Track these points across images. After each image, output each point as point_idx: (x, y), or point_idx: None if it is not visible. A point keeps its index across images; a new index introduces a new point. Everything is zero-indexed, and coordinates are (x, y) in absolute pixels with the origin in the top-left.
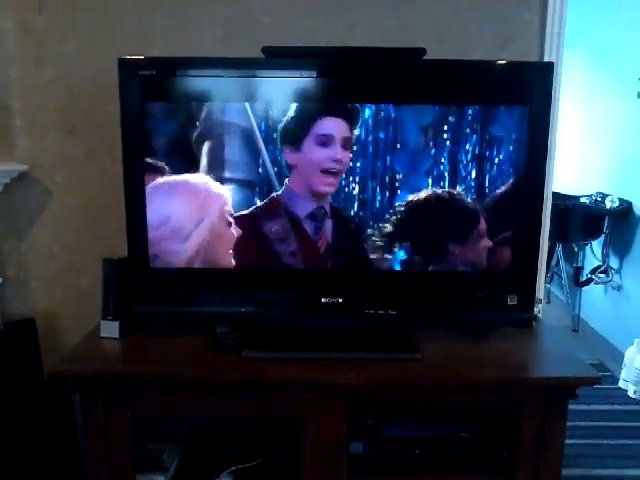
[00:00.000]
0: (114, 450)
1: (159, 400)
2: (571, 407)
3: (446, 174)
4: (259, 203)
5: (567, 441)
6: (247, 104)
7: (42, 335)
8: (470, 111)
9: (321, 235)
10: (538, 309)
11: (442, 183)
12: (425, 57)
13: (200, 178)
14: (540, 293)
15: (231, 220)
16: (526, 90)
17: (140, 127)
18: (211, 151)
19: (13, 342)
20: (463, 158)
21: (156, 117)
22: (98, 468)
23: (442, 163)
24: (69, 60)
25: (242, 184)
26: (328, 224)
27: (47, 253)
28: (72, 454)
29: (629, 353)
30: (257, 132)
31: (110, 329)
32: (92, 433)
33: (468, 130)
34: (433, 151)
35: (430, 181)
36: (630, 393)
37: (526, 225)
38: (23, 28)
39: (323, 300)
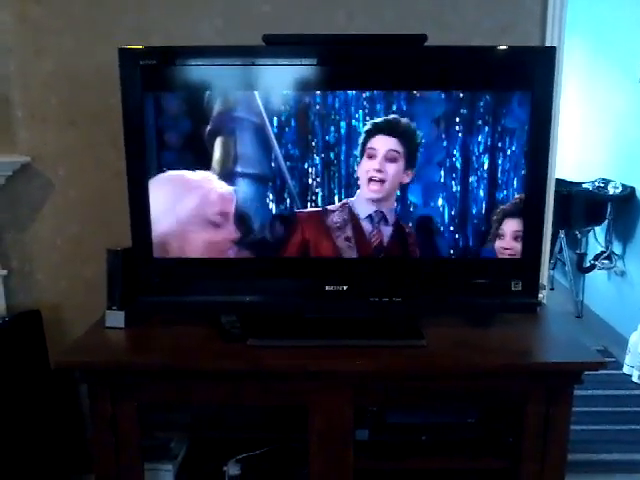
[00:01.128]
0: (121, 440)
1: (166, 389)
2: (575, 393)
3: (453, 163)
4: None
5: (572, 427)
6: (256, 93)
7: (48, 326)
8: (472, 98)
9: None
10: (542, 295)
11: (452, 173)
12: (426, 44)
13: (202, 172)
14: (544, 279)
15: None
16: (528, 75)
17: (141, 117)
18: (221, 145)
19: (19, 334)
20: (468, 146)
21: (157, 107)
22: (106, 458)
23: (448, 152)
24: (69, 51)
25: (251, 178)
26: None
27: (51, 245)
28: (79, 444)
29: (633, 339)
30: (268, 125)
31: (115, 319)
32: (99, 423)
33: (471, 117)
34: (440, 140)
35: (443, 172)
36: (634, 378)
37: (530, 211)
38: (22, 19)
39: (327, 288)
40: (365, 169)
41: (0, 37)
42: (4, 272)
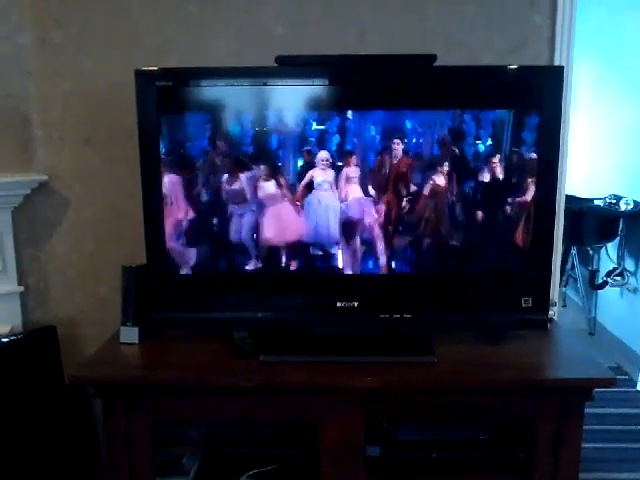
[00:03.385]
0: (135, 455)
1: (179, 405)
2: (588, 410)
3: (459, 179)
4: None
5: (584, 444)
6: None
7: (63, 342)
8: (481, 116)
9: None
10: (553, 312)
11: (457, 189)
12: (435, 63)
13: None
14: (555, 296)
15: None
16: (537, 95)
17: (157, 137)
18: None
19: (35, 349)
20: (476, 163)
21: (172, 127)
22: (119, 473)
23: (455, 168)
24: (86, 72)
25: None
26: None
27: (66, 262)
28: (92, 459)
29: None
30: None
31: (130, 335)
32: (113, 438)
33: (480, 135)
34: (445, 156)
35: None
36: None
37: (540, 228)
38: (42, 42)
39: (338, 304)
40: None
41: (21, 60)
42: (21, 289)
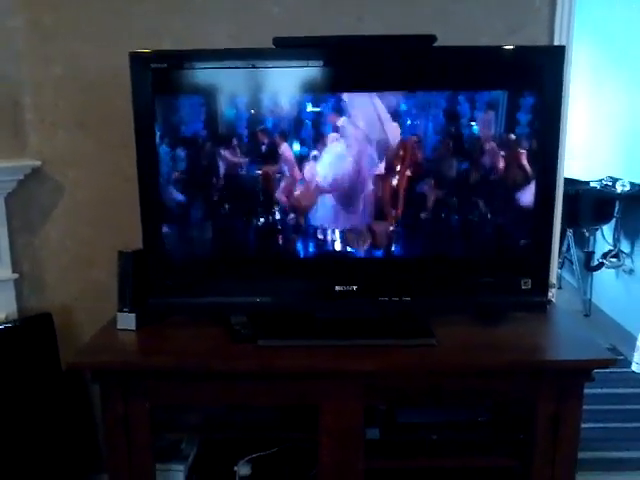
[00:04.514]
0: (134, 441)
1: (177, 390)
2: (584, 391)
3: (460, 162)
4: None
5: (582, 424)
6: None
7: (59, 328)
8: (481, 97)
9: None
10: (552, 293)
11: (457, 172)
12: (435, 44)
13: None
14: (553, 278)
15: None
16: (537, 75)
17: (152, 119)
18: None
19: (31, 337)
20: (475, 146)
21: (167, 110)
22: (118, 458)
23: (455, 150)
24: (78, 56)
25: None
26: None
27: (61, 248)
28: (91, 445)
29: None
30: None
31: (127, 321)
32: (112, 424)
33: (480, 117)
34: (447, 139)
35: (447, 168)
36: None
37: (539, 210)
38: (34, 25)
39: (337, 288)
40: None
41: (12, 43)
42: (15, 275)
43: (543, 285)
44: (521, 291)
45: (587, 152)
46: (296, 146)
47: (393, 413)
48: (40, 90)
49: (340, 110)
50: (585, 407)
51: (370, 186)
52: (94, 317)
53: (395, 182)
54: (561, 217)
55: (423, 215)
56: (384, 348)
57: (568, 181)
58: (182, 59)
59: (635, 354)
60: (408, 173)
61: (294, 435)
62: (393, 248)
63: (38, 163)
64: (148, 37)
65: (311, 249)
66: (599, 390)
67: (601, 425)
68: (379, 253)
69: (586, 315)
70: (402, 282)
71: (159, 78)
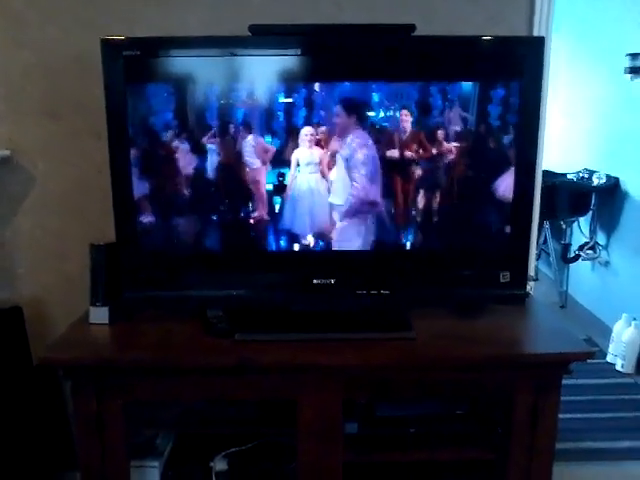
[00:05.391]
0: (107, 437)
1: (152, 386)
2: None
3: (438, 153)
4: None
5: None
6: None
7: (29, 323)
8: (460, 87)
9: None
10: (530, 286)
11: (436, 161)
12: (414, 34)
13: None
14: (531, 270)
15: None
16: (517, 66)
17: (124, 108)
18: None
19: (0, 330)
20: (456, 136)
21: (140, 98)
22: (91, 455)
23: (434, 141)
24: (49, 42)
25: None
26: None
27: (32, 240)
28: (64, 441)
29: (617, 327)
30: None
31: (99, 315)
32: (84, 421)
33: (458, 107)
34: (424, 129)
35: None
36: (618, 367)
37: (518, 202)
38: (2, 9)
39: (315, 281)
40: None
41: None
42: None
43: (522, 278)
44: (500, 284)
45: (564, 144)
46: (269, 137)
47: (372, 407)
48: (9, 77)
49: (313, 100)
50: (562, 398)
51: (348, 179)
52: (66, 311)
53: (372, 175)
54: (539, 209)
55: (400, 208)
56: (362, 342)
57: (545, 173)
58: (155, 46)
59: (610, 345)
60: (386, 165)
61: (271, 430)
62: (371, 241)
63: (7, 153)
64: (120, 24)
65: (288, 242)
66: (574, 381)
67: (576, 416)
68: (357, 246)
69: (562, 307)
70: (380, 275)
71: (131, 66)
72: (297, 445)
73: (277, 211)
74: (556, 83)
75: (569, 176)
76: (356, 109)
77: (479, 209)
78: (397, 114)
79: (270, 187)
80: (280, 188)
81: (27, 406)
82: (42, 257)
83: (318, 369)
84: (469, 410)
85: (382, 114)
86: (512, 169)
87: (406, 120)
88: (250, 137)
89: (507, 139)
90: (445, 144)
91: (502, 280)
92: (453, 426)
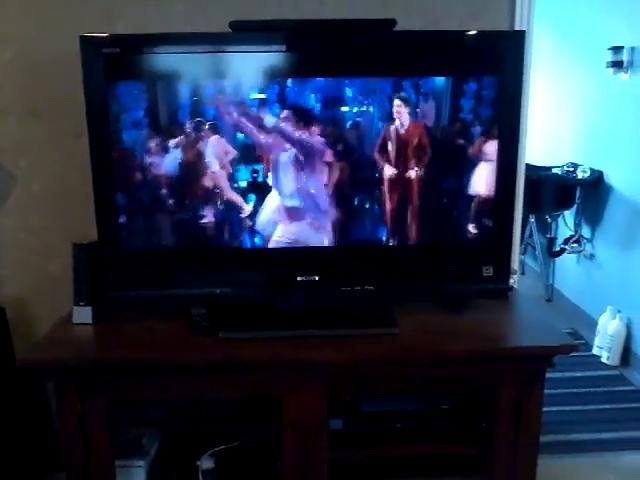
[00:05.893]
0: (91, 437)
1: (136, 385)
2: (546, 375)
3: (418, 147)
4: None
5: (543, 408)
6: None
7: (13, 323)
8: (441, 82)
9: None
10: (513, 280)
11: (417, 157)
12: (395, 29)
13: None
14: (515, 264)
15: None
16: (498, 60)
17: (105, 106)
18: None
19: None
20: (437, 131)
21: (121, 96)
22: (75, 456)
23: (416, 136)
24: (29, 40)
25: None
26: None
27: (15, 239)
28: (48, 442)
29: (602, 320)
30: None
31: (83, 315)
32: (68, 421)
33: (440, 101)
34: (405, 123)
35: (405, 155)
36: (603, 359)
37: (499, 197)
38: None
39: (299, 278)
40: None
41: None
42: None
43: (504, 272)
44: (483, 278)
45: (549, 138)
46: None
47: (357, 403)
48: None
49: (286, 97)
50: (547, 391)
51: (325, 174)
52: (50, 311)
53: (354, 170)
54: (523, 203)
55: (383, 204)
56: (346, 338)
57: (530, 167)
58: (135, 44)
59: (595, 338)
60: (367, 160)
61: (258, 427)
62: (354, 237)
63: None
64: (100, 20)
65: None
66: (561, 374)
67: (563, 408)
68: (341, 243)
69: (548, 300)
70: (364, 271)
71: (111, 63)
72: (282, 442)
73: (253, 209)
74: (540, 77)
75: (554, 170)
76: (334, 104)
77: (460, 204)
78: (372, 109)
79: (244, 184)
80: (256, 186)
81: (11, 408)
82: (26, 257)
83: (302, 366)
84: (454, 405)
85: (360, 109)
86: (493, 163)
87: (398, 112)
88: (215, 137)
89: (488, 133)
90: (427, 138)
91: (485, 274)
92: (438, 421)
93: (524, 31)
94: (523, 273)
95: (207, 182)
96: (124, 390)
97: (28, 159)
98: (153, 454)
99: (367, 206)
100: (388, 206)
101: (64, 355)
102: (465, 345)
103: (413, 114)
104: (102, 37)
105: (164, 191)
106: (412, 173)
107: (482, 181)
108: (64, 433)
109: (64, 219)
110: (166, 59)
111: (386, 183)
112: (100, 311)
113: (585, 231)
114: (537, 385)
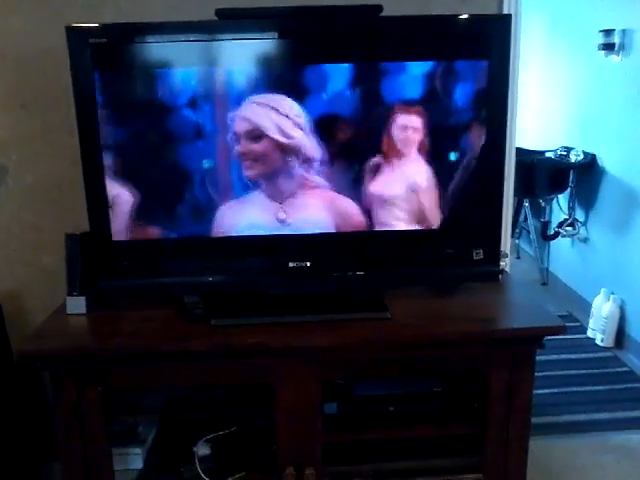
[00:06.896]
0: (87, 426)
1: (130, 373)
2: (542, 357)
3: (409, 133)
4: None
5: (539, 390)
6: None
7: (8, 317)
8: (429, 67)
9: None
10: (505, 263)
11: (405, 142)
12: (383, 14)
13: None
14: (506, 247)
15: None
16: (485, 44)
17: (93, 98)
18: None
19: None
20: (424, 116)
21: (109, 86)
22: (72, 445)
23: (404, 122)
24: (16, 33)
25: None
26: None
27: (8, 233)
28: (45, 432)
29: (596, 303)
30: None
31: (76, 305)
32: (64, 410)
33: (428, 86)
34: (395, 109)
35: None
36: (598, 341)
37: (488, 179)
38: None
39: (290, 264)
40: None
41: None
42: None
43: (495, 255)
44: (473, 261)
45: (542, 122)
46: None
47: (350, 387)
48: None
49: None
50: (543, 373)
51: (319, 160)
52: (45, 303)
53: (345, 155)
54: (517, 187)
55: (373, 188)
56: (338, 323)
57: (524, 152)
58: (122, 33)
59: (590, 320)
60: (356, 146)
61: (253, 413)
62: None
63: None
64: (87, 11)
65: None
66: (556, 356)
67: (558, 390)
68: (331, 228)
69: (544, 284)
70: (355, 256)
71: (99, 54)
72: (276, 428)
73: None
74: (532, 61)
75: (547, 154)
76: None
77: (449, 187)
78: (360, 95)
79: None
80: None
81: (8, 399)
82: (19, 250)
83: (294, 352)
84: (446, 387)
85: (348, 94)
86: (482, 146)
87: (387, 97)
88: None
89: (476, 117)
90: (415, 122)
91: (475, 257)
92: (431, 403)
93: (510, 15)
94: (518, 257)
95: (200, 170)
96: (117, 378)
97: (20, 152)
98: (150, 441)
99: (356, 192)
100: (378, 192)
101: (59, 345)
102: (456, 328)
103: (401, 99)
104: (88, 27)
105: (153, 180)
106: (401, 157)
107: (471, 164)
108: (60, 421)
109: (57, 212)
110: (153, 48)
111: (374, 167)
112: (93, 301)
113: (579, 214)
114: (528, 366)
